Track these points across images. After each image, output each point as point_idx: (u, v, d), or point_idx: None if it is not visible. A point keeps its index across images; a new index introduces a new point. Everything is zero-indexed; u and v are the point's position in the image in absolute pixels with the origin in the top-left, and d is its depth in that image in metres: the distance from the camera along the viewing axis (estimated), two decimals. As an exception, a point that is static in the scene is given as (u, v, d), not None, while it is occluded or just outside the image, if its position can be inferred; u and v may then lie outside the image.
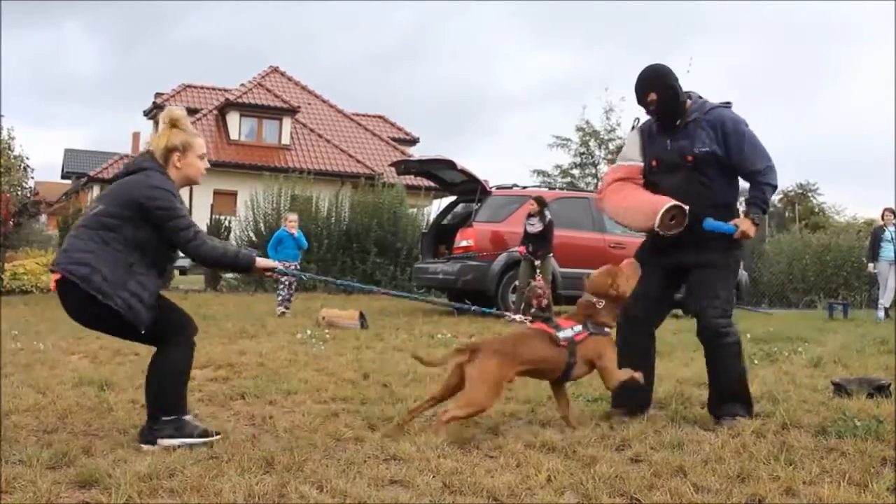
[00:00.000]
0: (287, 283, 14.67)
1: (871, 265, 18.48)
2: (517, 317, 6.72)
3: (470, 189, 16.50)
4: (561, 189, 22.23)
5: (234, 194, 36.80)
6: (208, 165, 5.31)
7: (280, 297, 14.87)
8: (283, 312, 14.49)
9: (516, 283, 14.79)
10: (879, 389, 6.74)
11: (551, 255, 14.47)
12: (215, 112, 42.41)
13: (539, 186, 22.27)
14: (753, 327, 12.70)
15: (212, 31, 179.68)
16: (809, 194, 59.65)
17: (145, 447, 4.81)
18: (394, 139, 47.55)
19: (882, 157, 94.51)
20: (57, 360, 8.19)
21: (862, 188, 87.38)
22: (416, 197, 26.59)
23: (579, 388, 6.77)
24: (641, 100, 5.88)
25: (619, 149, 28.53)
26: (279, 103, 41.88)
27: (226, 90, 45.10)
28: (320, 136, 42.76)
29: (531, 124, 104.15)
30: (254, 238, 22.90)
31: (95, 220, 4.88)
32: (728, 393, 5.86)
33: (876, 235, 18.33)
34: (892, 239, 17.75)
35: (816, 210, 55.77)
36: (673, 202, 5.66)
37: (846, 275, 24.75)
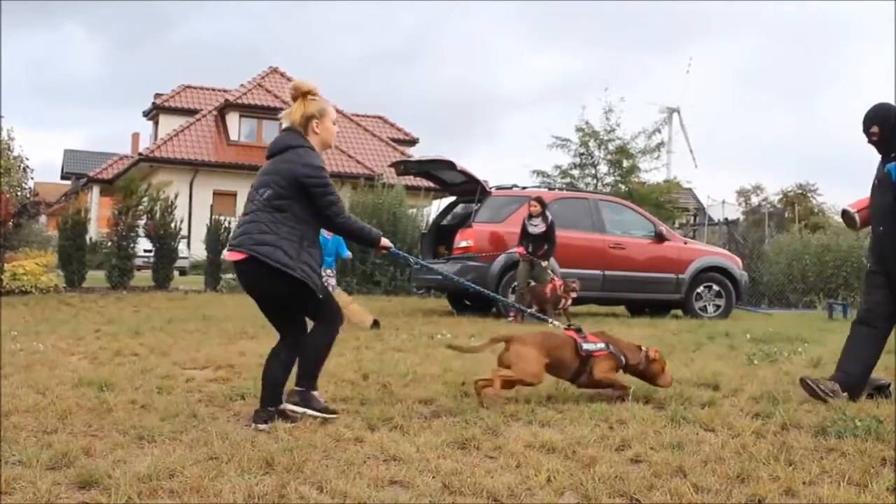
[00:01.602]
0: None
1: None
2: (557, 322, 7.36)
3: (469, 189, 16.48)
4: (560, 189, 22.19)
5: (233, 195, 36.88)
6: (338, 130, 6.05)
7: None
8: None
9: (515, 283, 14.77)
10: (879, 389, 6.74)
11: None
12: (215, 113, 42.48)
13: (538, 187, 22.23)
14: (753, 328, 12.71)
15: (211, 31, 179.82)
16: (809, 194, 59.76)
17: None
18: (393, 140, 47.59)
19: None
20: (56, 361, 8.18)
21: (862, 189, 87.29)
22: (415, 197, 26.56)
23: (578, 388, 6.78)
24: (865, 130, 6.78)
25: (619, 149, 28.57)
26: (279, 104, 41.79)
27: (225, 91, 45.17)
28: (320, 136, 42.74)
29: (531, 125, 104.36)
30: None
31: (267, 203, 5.60)
32: None
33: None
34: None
35: (816, 210, 55.82)
36: (844, 208, 7.16)
37: (846, 275, 24.71)
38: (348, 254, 13.81)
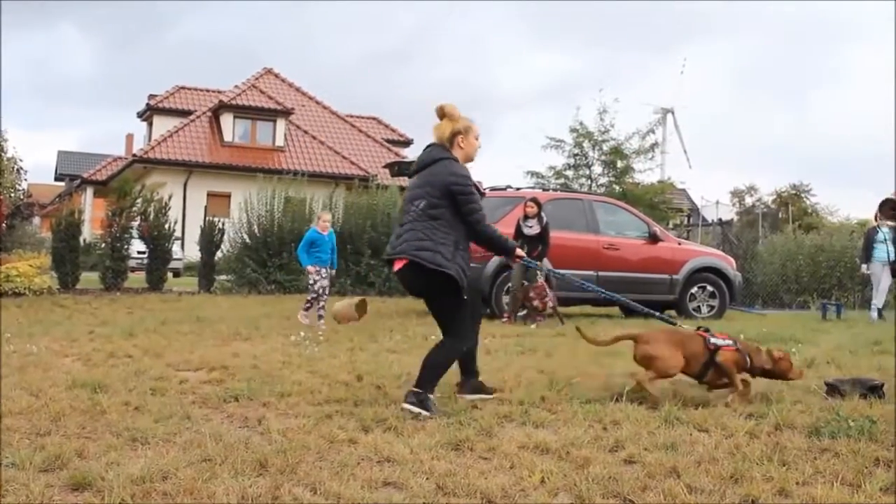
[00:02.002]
0: (318, 289, 13.59)
1: (864, 266, 18.48)
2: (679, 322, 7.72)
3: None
4: (555, 190, 22.18)
5: (227, 196, 36.82)
6: (481, 145, 6.60)
7: (307, 304, 13.70)
8: (307, 318, 13.43)
9: (509, 285, 14.76)
10: (873, 390, 6.75)
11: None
12: (209, 114, 42.43)
13: (533, 187, 22.23)
14: (747, 328, 12.71)
15: (206, 32, 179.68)
16: (803, 195, 59.85)
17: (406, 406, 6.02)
18: (388, 140, 47.60)
19: (875, 158, 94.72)
20: (50, 363, 8.17)
21: (857, 189, 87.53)
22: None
23: (573, 389, 6.78)
24: None
25: (613, 150, 28.59)
26: (273, 105, 41.92)
27: (220, 92, 45.14)
28: (314, 137, 42.79)
29: (525, 125, 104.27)
30: (247, 240, 22.83)
31: (422, 213, 6.28)
32: None
33: (869, 236, 18.33)
34: (885, 240, 17.75)
35: (810, 211, 55.94)
36: None
37: (839, 276, 24.76)
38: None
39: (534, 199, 14.62)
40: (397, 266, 6.36)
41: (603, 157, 29.45)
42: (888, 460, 4.71)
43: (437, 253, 6.14)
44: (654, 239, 16.50)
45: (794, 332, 12.05)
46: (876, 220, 18.43)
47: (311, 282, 13.62)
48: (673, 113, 69.87)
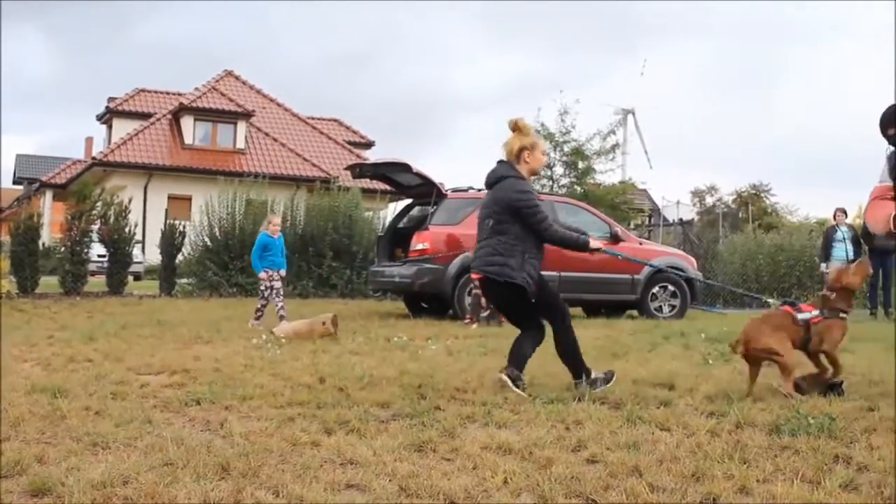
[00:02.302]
0: (269, 291, 13.56)
1: (823, 265, 18.70)
2: (772, 300, 8.01)
3: (426, 192, 16.45)
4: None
5: (188, 199, 36.59)
6: (547, 160, 7.00)
7: (259, 312, 13.57)
8: (260, 325, 13.20)
9: (471, 286, 14.75)
10: (832, 387, 6.82)
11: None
12: (169, 116, 42.19)
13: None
14: (708, 327, 12.80)
15: (166, 34, 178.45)
16: (763, 195, 60.31)
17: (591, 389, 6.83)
18: (349, 142, 47.53)
19: (833, 158, 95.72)
20: (9, 368, 8.08)
21: (814, 189, 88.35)
22: (371, 200, 26.54)
23: (536, 389, 6.81)
24: (884, 132, 6.76)
25: (575, 150, 28.65)
26: (234, 107, 41.74)
27: (180, 94, 44.88)
28: (275, 139, 42.67)
29: (486, 126, 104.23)
30: (208, 243, 22.72)
31: (492, 231, 7.11)
32: None
33: (828, 235, 18.55)
34: (843, 239, 17.98)
35: (769, 210, 56.38)
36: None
37: (799, 275, 24.94)
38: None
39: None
40: (476, 277, 7.60)
41: (564, 158, 29.50)
42: (847, 457, 4.75)
43: (506, 266, 6.98)
44: (615, 239, 16.54)
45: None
46: (835, 219, 18.64)
47: (262, 287, 13.62)
48: (634, 114, 70.49)
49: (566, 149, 29.32)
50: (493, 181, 7.22)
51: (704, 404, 6.35)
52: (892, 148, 6.92)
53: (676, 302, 16.81)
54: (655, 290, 16.70)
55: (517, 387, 6.82)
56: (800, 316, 6.97)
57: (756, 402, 6.41)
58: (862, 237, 18.03)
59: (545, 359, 8.56)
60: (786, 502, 3.92)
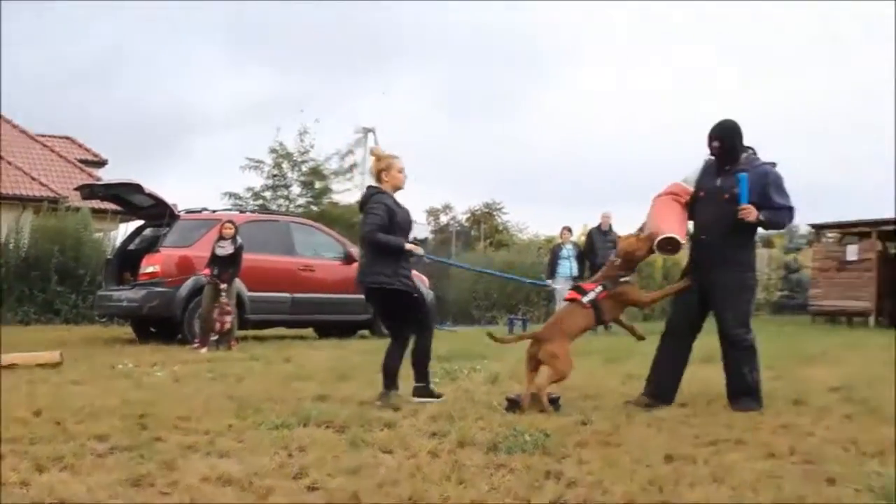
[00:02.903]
0: None
1: (549, 281, 19.48)
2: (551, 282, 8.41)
3: (158, 213, 16.05)
4: (252, 212, 21.92)
5: None
6: (406, 175, 8.11)
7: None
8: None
9: (200, 309, 14.45)
10: (551, 403, 7.08)
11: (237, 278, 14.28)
12: None
13: (229, 209, 21.87)
14: (437, 346, 12.86)
15: None
16: (495, 213, 62.06)
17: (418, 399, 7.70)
18: (82, 161, 45.65)
19: (562, 178, 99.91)
20: None
21: (543, 205, 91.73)
22: (102, 221, 25.59)
23: (260, 416, 6.72)
24: (709, 143, 7.47)
25: (312, 170, 28.57)
26: (-53, 121, 39.35)
27: None
28: (1, 157, 40.50)
29: (225, 146, 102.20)
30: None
31: (362, 243, 8.10)
32: (740, 388, 7.39)
33: (554, 253, 19.34)
34: (568, 256, 18.80)
35: (501, 228, 58.01)
36: (668, 235, 7.27)
37: (528, 291, 25.83)
38: None
39: (231, 221, 14.43)
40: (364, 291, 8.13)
41: (302, 178, 29.43)
42: (559, 472, 4.93)
43: (381, 274, 7.75)
44: (349, 260, 16.66)
45: (481, 348, 12.36)
46: (561, 237, 19.46)
47: None
48: (374, 133, 70.84)
49: (304, 168, 29.27)
50: (363, 201, 8.09)
51: (428, 424, 6.45)
52: (711, 157, 7.58)
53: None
54: (386, 309, 16.85)
55: (434, 396, 7.84)
56: (586, 298, 7.45)
57: (478, 420, 6.57)
58: (585, 255, 18.94)
59: (269, 384, 8.52)
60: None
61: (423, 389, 7.87)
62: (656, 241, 7.38)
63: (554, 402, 7.15)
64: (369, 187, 8.23)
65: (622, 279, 7.54)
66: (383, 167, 8.05)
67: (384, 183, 8.03)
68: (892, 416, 6.71)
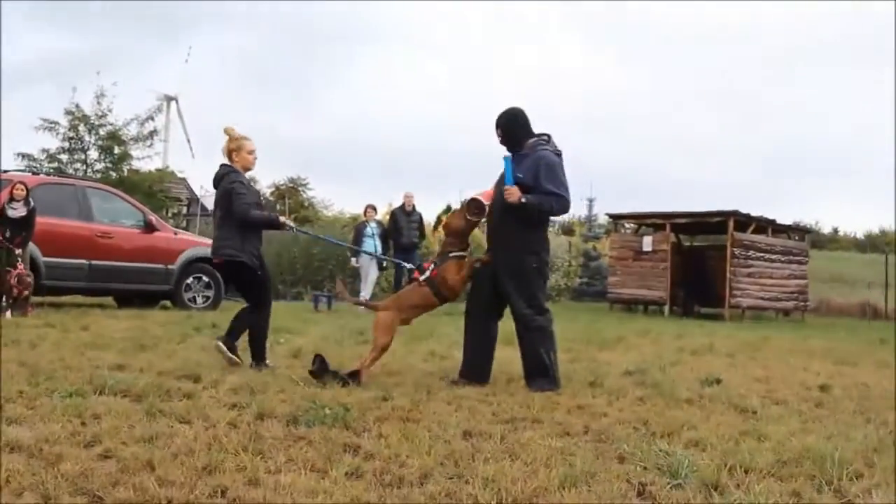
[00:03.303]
0: None
1: (353, 259, 19.51)
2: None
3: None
4: (48, 174, 21.07)
5: None
6: (256, 157, 8.36)
7: None
8: None
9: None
10: (352, 376, 7.13)
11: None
12: None
13: (23, 171, 20.97)
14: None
15: None
16: (300, 188, 61.76)
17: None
18: None
19: (370, 156, 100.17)
20: None
21: (352, 184, 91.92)
22: None
23: (53, 383, 6.52)
24: (495, 130, 7.78)
25: (111, 135, 27.61)
26: None
27: None
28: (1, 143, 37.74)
29: (16, 105, 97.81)
30: None
31: (219, 220, 8.26)
32: (535, 369, 7.57)
33: (359, 230, 19.35)
34: (372, 234, 18.83)
35: (306, 204, 57.79)
36: (472, 197, 7.75)
37: (332, 268, 25.77)
38: None
39: (23, 183, 13.86)
40: (215, 262, 8.56)
41: (100, 143, 28.40)
42: (357, 446, 4.99)
43: (230, 247, 8.08)
44: (150, 228, 16.29)
45: (286, 322, 12.34)
46: (365, 215, 19.50)
47: None
48: (177, 101, 69.22)
49: (102, 133, 28.26)
50: (217, 179, 8.26)
51: (228, 396, 6.41)
52: (509, 154, 7.70)
53: (210, 293, 16.83)
54: (189, 280, 16.61)
55: (233, 353, 8.00)
56: (422, 277, 7.75)
57: (279, 392, 6.55)
58: (389, 234, 19.07)
59: (65, 352, 8.29)
60: (293, 492, 4.03)
61: (229, 344, 8.11)
62: (465, 207, 7.75)
63: (355, 375, 7.20)
64: (222, 165, 8.29)
65: (451, 255, 7.71)
66: (234, 147, 8.25)
67: (235, 163, 8.25)
68: (682, 399, 7.05)
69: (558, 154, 7.69)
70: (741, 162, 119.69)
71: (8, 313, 12.81)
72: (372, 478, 4.33)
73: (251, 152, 8.29)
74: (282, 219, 8.40)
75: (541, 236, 7.85)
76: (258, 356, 8.19)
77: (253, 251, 8.13)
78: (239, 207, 8.00)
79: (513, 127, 7.71)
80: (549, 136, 7.77)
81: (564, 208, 7.69)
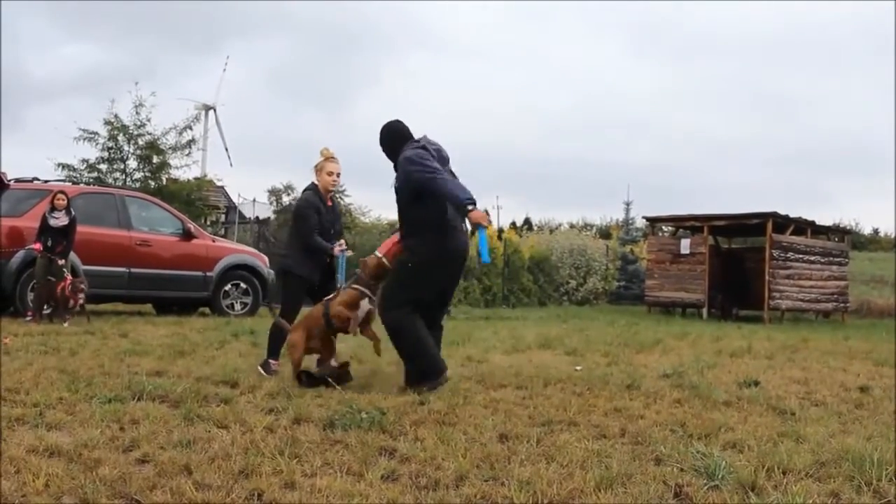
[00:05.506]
0: None
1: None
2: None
3: (-15, 182, 15.43)
4: (87, 184, 21.30)
5: None
6: (336, 179, 8.52)
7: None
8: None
9: (34, 281, 13.99)
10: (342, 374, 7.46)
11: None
12: None
13: (63, 180, 21.11)
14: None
15: None
16: (338, 195, 61.82)
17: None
18: None
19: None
20: None
21: (377, 190, 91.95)
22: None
23: (92, 389, 6.58)
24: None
25: (149, 144, 27.84)
26: None
27: None
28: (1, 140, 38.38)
29: (57, 116, 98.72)
30: None
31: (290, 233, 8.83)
32: (407, 368, 7.48)
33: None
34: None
35: (345, 211, 57.80)
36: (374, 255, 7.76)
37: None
38: None
39: (62, 192, 14.01)
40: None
41: (139, 152, 28.61)
42: (392, 449, 5.00)
43: (288, 257, 8.60)
44: (188, 236, 16.42)
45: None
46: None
47: None
48: (215, 110, 69.76)
49: (141, 142, 28.48)
50: (300, 198, 8.73)
51: (266, 401, 6.44)
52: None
53: (249, 300, 16.94)
54: (227, 287, 16.72)
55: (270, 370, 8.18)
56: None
57: (316, 398, 6.58)
58: None
59: (104, 358, 8.36)
60: (329, 495, 4.04)
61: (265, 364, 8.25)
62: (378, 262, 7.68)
63: (345, 374, 7.52)
64: (310, 184, 8.58)
65: (353, 287, 7.68)
66: (318, 167, 8.45)
67: (318, 182, 8.50)
68: (719, 402, 7.01)
69: (423, 148, 7.46)
70: (779, 161, 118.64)
71: (66, 322, 12.93)
72: (407, 480, 4.34)
73: (330, 173, 8.44)
74: (335, 251, 8.44)
75: (422, 238, 7.47)
76: (272, 352, 8.35)
77: (312, 266, 8.38)
78: (301, 230, 8.35)
79: (389, 142, 7.70)
80: (424, 136, 7.70)
81: (418, 175, 7.31)
